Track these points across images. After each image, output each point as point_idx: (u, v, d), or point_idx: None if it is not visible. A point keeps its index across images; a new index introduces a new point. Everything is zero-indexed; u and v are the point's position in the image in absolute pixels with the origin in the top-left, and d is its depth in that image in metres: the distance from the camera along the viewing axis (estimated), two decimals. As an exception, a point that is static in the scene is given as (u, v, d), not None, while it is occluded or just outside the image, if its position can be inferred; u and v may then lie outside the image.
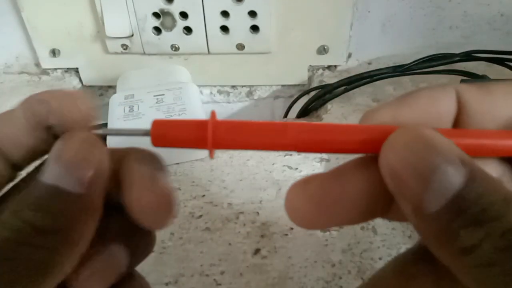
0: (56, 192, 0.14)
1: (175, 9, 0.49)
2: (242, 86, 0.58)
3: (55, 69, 0.57)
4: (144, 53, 0.53)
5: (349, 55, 0.55)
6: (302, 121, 0.16)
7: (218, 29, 0.51)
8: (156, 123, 0.15)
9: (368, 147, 0.14)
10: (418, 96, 0.15)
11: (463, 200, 0.12)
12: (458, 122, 0.15)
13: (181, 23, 0.50)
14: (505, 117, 0.15)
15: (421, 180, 0.12)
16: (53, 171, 0.14)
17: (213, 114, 0.15)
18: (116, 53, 0.54)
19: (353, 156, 0.16)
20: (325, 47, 0.53)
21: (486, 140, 0.14)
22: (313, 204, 0.14)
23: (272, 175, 0.40)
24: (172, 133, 0.15)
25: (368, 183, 0.14)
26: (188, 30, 0.51)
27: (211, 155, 0.15)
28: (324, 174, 0.15)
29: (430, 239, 0.13)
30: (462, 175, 0.12)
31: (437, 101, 0.15)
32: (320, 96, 0.50)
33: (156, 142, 0.15)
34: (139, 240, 0.18)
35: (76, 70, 0.57)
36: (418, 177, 0.12)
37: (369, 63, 0.56)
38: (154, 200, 0.15)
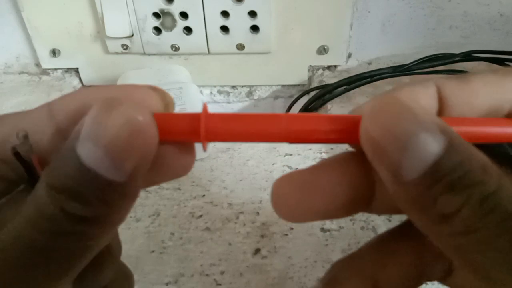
0: (94, 177, 0.12)
1: (175, 9, 0.49)
2: (242, 86, 0.58)
3: (55, 69, 0.57)
4: (144, 53, 0.53)
5: (349, 55, 0.55)
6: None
7: (218, 29, 0.51)
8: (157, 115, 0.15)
9: (346, 136, 0.15)
10: (398, 94, 0.15)
11: (441, 167, 0.12)
12: (440, 116, 0.16)
13: (181, 23, 0.50)
14: (485, 106, 0.15)
15: (400, 147, 0.12)
16: (92, 153, 0.12)
17: (205, 106, 0.15)
18: (116, 53, 0.54)
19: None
20: (325, 47, 0.53)
21: (467, 128, 0.15)
22: (296, 194, 0.15)
23: (272, 175, 0.40)
24: (164, 127, 0.14)
25: (350, 175, 0.15)
26: (188, 30, 0.51)
27: (204, 148, 0.15)
28: (309, 167, 0.15)
29: (410, 207, 0.13)
30: (440, 142, 0.12)
31: (418, 98, 0.15)
32: (320, 96, 0.50)
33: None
34: (87, 273, 0.16)
35: (76, 70, 0.57)
36: (397, 145, 0.12)
37: (369, 63, 0.56)
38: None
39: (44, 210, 0.12)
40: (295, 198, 0.15)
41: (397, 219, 0.35)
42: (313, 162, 0.42)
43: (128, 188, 0.13)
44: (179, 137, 0.15)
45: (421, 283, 0.16)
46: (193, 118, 0.15)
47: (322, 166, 0.15)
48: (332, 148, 0.43)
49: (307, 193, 0.15)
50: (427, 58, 0.49)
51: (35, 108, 0.15)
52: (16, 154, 0.14)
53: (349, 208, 0.15)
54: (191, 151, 0.16)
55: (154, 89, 0.15)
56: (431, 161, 0.12)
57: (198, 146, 0.17)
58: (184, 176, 0.17)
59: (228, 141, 0.15)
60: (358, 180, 0.15)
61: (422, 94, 0.15)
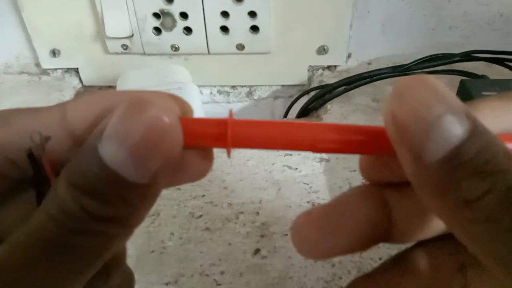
0: (117, 179, 0.12)
1: (175, 9, 0.49)
2: (242, 86, 0.58)
3: (55, 69, 0.57)
4: (144, 53, 0.53)
5: (349, 55, 0.55)
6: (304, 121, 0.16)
7: (218, 29, 0.51)
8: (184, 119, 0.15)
9: (372, 147, 0.15)
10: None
11: (466, 151, 0.12)
12: None
13: (181, 23, 0.50)
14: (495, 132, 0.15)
15: (424, 127, 0.12)
16: (115, 154, 0.12)
17: (231, 113, 0.15)
18: (116, 53, 0.54)
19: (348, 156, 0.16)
20: (325, 47, 0.53)
21: None
22: (317, 233, 0.15)
23: (272, 175, 0.40)
24: (190, 131, 0.14)
25: (368, 209, 0.15)
26: (188, 30, 0.51)
27: (228, 154, 0.15)
28: (326, 203, 0.15)
29: (430, 192, 0.13)
30: (465, 126, 0.12)
31: None
32: (320, 96, 0.50)
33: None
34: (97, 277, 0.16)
35: (76, 70, 0.57)
36: (421, 125, 0.12)
37: (369, 63, 0.56)
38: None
39: (64, 208, 0.12)
40: (316, 238, 0.15)
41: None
42: (313, 162, 0.42)
43: (149, 189, 0.13)
44: (204, 142, 0.15)
45: None
46: (220, 123, 0.15)
47: (340, 203, 0.15)
48: (332, 148, 0.43)
49: (328, 232, 0.15)
50: (427, 58, 0.49)
51: (47, 107, 0.15)
52: (30, 155, 0.14)
53: (369, 242, 0.15)
54: (209, 155, 0.16)
55: (173, 96, 0.15)
56: (455, 144, 0.12)
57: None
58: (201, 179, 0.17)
59: (254, 147, 0.15)
60: (376, 213, 0.15)
61: None
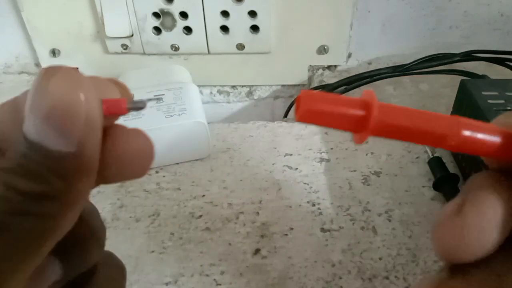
0: (42, 150, 0.12)
1: (175, 9, 0.49)
2: (242, 86, 0.58)
3: (55, 69, 0.57)
4: (144, 53, 0.53)
5: (349, 55, 0.55)
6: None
7: (218, 29, 0.51)
8: (306, 94, 0.13)
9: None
10: None
11: None
12: None
13: (181, 23, 0.50)
14: None
15: None
16: (34, 125, 0.12)
17: (372, 94, 0.13)
18: (116, 53, 0.54)
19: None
20: (325, 47, 0.53)
21: None
22: (465, 238, 0.14)
23: (272, 175, 0.40)
24: (325, 107, 0.13)
25: (504, 199, 0.14)
26: (188, 30, 0.51)
27: (361, 140, 0.13)
28: (456, 201, 0.14)
29: None
30: None
31: None
32: (320, 96, 0.50)
33: (303, 116, 0.13)
34: (74, 254, 0.16)
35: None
36: None
37: (369, 63, 0.56)
38: (145, 145, 0.15)
39: None
40: (464, 241, 0.14)
41: (397, 219, 0.35)
42: (313, 162, 0.42)
43: (81, 160, 0.13)
44: (338, 122, 0.13)
45: None
46: (364, 105, 0.13)
47: (475, 200, 0.14)
48: (332, 148, 0.43)
49: (473, 235, 0.14)
50: (427, 58, 0.49)
51: (1, 104, 0.15)
52: None
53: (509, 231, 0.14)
54: (149, 150, 0.15)
55: (111, 80, 0.15)
56: None
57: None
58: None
59: (390, 137, 0.13)
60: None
61: None
